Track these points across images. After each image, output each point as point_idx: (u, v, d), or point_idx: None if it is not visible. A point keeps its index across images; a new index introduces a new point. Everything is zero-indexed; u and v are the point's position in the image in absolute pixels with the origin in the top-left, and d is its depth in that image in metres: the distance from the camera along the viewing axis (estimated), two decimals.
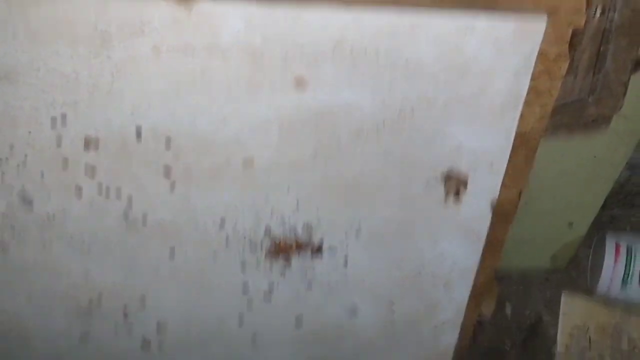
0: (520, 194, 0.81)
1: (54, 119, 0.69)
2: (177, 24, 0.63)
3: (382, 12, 0.62)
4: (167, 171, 0.74)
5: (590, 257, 1.21)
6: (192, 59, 0.65)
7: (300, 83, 0.67)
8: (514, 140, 0.72)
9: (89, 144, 0.71)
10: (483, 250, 0.81)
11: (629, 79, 0.83)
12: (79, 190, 0.75)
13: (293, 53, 0.65)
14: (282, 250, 0.83)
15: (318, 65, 0.66)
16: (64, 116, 0.69)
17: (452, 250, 0.82)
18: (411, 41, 0.64)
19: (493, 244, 0.83)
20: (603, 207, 1.17)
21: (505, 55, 0.64)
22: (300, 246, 0.82)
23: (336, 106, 0.69)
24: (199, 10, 0.62)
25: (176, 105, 0.68)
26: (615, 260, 1.14)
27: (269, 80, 0.67)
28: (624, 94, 0.84)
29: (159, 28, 0.63)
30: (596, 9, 0.73)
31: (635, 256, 1.13)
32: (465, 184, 0.75)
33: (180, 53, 0.64)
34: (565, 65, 0.70)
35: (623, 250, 1.14)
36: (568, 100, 0.83)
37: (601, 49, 0.78)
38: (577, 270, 1.25)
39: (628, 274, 1.13)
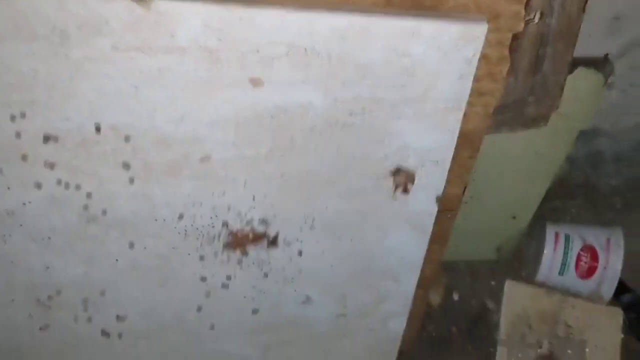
0: (464, 189, 0.86)
1: (12, 117, 0.70)
2: (136, 23, 0.64)
3: (333, 16, 0.66)
4: (126, 167, 0.75)
5: (532, 247, 1.28)
6: (150, 58, 0.67)
7: (256, 83, 0.70)
8: (458, 138, 0.77)
9: (48, 140, 0.72)
10: (429, 243, 0.86)
11: (565, 80, 0.89)
12: (38, 185, 0.76)
13: (249, 54, 0.67)
14: (239, 242, 0.85)
15: (273, 66, 0.68)
16: (22, 114, 0.70)
17: (400, 243, 0.86)
18: (361, 44, 0.67)
19: (439, 237, 0.87)
20: (545, 199, 1.23)
21: (449, 58, 0.68)
22: (256, 238, 0.85)
23: (291, 105, 0.72)
24: (157, 10, 0.64)
25: (135, 103, 0.70)
26: (555, 249, 1.20)
27: (225, 80, 0.69)
28: (561, 94, 0.90)
29: (118, 27, 0.64)
30: (535, 15, 0.78)
31: (572, 245, 1.20)
32: (412, 179, 0.79)
33: (139, 52, 0.66)
34: (506, 68, 0.75)
35: (561, 239, 1.20)
36: (509, 100, 0.88)
37: (540, 52, 0.83)
38: (521, 260, 1.32)
39: (565, 263, 1.19)
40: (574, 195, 1.40)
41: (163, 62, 0.67)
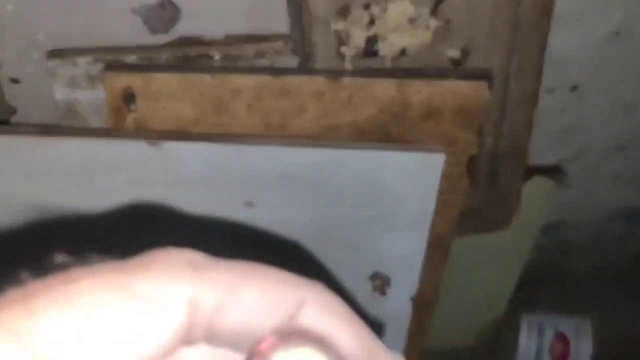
0: (437, 287, 0.97)
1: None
2: (148, 160, 0.77)
3: (316, 149, 0.78)
4: None
5: (509, 334, 1.37)
6: (159, 189, 0.79)
7: (249, 205, 0.81)
8: (428, 244, 0.88)
9: None
10: (407, 337, 0.95)
11: (521, 188, 1.01)
12: None
13: (244, 182, 0.79)
14: None
15: (264, 192, 0.80)
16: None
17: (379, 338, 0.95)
18: (339, 172, 0.80)
19: (416, 332, 0.97)
20: (518, 288, 1.33)
21: (414, 182, 0.80)
22: None
23: (279, 222, 0.83)
24: (167, 148, 0.76)
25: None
26: (529, 337, 1.30)
27: (224, 204, 0.81)
28: (519, 201, 1.02)
29: (134, 165, 0.76)
30: (487, 139, 0.91)
31: (545, 333, 1.29)
32: (389, 282, 0.89)
33: (150, 184, 0.78)
34: (465, 183, 0.88)
35: (535, 328, 1.30)
36: (472, 207, 1.00)
37: (495, 167, 0.96)
38: (500, 346, 1.40)
39: (541, 350, 1.29)
40: (545, 284, 1.51)
41: (170, 192, 0.79)
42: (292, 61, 0.80)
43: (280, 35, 0.81)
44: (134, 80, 0.75)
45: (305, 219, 0.83)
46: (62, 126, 0.78)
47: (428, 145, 0.80)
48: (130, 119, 0.77)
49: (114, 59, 0.76)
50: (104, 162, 0.76)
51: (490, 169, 0.96)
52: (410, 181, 0.80)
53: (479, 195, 0.99)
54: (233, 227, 0.83)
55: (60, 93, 0.78)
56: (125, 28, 0.80)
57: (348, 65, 0.79)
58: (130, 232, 0.82)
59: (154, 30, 0.81)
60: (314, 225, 0.84)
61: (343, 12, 0.74)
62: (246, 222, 0.82)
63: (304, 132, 0.81)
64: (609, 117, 1.09)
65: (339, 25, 0.75)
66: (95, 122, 0.81)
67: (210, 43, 0.81)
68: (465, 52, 0.80)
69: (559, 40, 0.87)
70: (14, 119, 0.89)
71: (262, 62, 0.80)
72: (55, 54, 0.77)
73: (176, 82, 0.76)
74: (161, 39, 0.82)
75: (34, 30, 0.80)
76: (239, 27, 0.82)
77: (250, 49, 0.79)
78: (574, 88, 1.00)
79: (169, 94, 0.77)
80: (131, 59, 0.77)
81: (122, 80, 0.75)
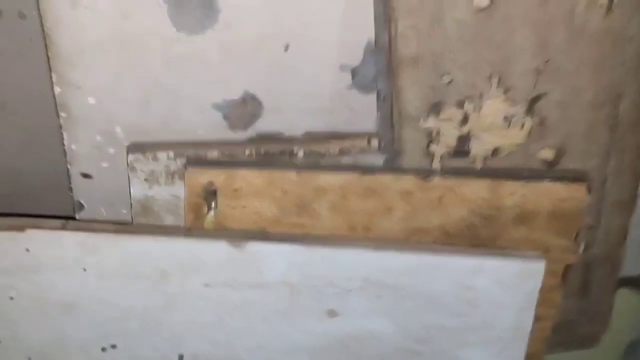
0: None
1: (103, 349, 0.75)
2: (229, 262, 0.72)
3: (404, 253, 0.73)
4: None
5: None
6: (237, 292, 0.73)
7: (331, 313, 0.75)
8: None
9: None
10: None
11: (614, 299, 0.93)
12: None
13: (326, 288, 0.74)
14: None
15: (348, 298, 0.74)
16: (113, 346, 0.75)
17: None
18: (429, 278, 0.74)
19: None
20: None
21: (511, 291, 0.74)
22: None
23: (362, 333, 0.76)
24: (249, 250, 0.71)
25: (218, 334, 0.75)
26: None
27: (303, 311, 0.75)
28: (610, 314, 0.94)
29: (213, 267, 0.72)
30: (581, 245, 0.85)
31: None
32: None
33: (227, 287, 0.73)
34: (560, 295, 0.81)
35: None
36: (562, 321, 0.92)
37: (587, 277, 0.89)
38: None
39: None
40: None
41: (248, 296, 0.73)
42: (377, 159, 0.77)
43: (364, 133, 0.78)
44: (217, 176, 0.72)
45: (390, 330, 0.76)
46: (136, 224, 0.74)
47: (525, 251, 0.74)
48: (209, 218, 0.73)
49: (195, 154, 0.74)
50: (181, 263, 0.71)
51: (583, 279, 0.89)
52: (508, 290, 0.74)
53: (569, 307, 0.91)
54: (314, 338, 0.76)
55: (137, 189, 0.74)
56: (205, 123, 0.78)
57: (436, 165, 0.75)
58: (195, 341, 0.76)
59: (233, 127, 0.79)
60: (400, 337, 0.76)
61: (435, 110, 0.71)
62: (328, 333, 0.75)
63: (390, 234, 0.76)
64: None
65: (430, 123, 0.72)
66: (170, 221, 0.78)
67: (291, 140, 0.78)
68: (560, 152, 0.76)
69: None
70: (80, 216, 0.86)
71: (346, 159, 0.76)
72: (136, 148, 0.74)
73: (259, 179, 0.73)
74: (240, 135, 0.80)
75: (112, 125, 0.78)
76: (321, 124, 0.80)
77: (334, 146, 0.76)
78: None
79: (251, 191, 0.73)
80: (212, 154, 0.74)
81: (204, 176, 0.72)
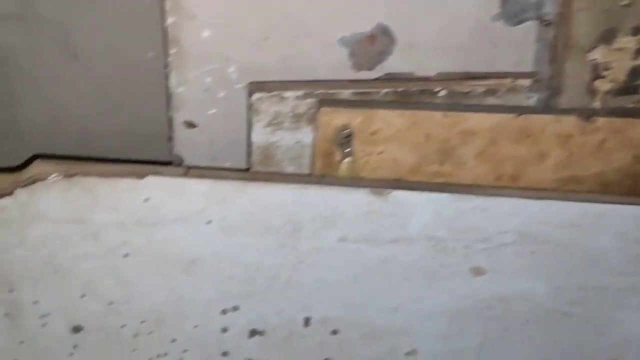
0: None
1: (224, 311, 0.67)
2: (369, 214, 0.63)
3: (566, 203, 0.64)
4: None
5: None
6: (376, 248, 0.65)
7: (477, 272, 0.67)
8: None
9: (254, 335, 0.68)
10: None
11: None
12: None
13: (475, 243, 0.65)
14: None
15: (498, 255, 0.66)
16: (235, 308, 0.67)
17: None
18: (591, 231, 0.65)
19: None
20: None
21: None
22: None
23: (510, 294, 0.68)
24: (393, 200, 0.63)
25: (351, 295, 0.67)
26: None
27: (447, 270, 0.66)
28: None
29: (351, 219, 0.63)
30: None
31: None
32: None
33: (365, 243, 0.65)
34: None
35: None
36: None
37: None
38: None
39: None
40: None
41: (388, 252, 0.65)
42: (527, 100, 0.68)
43: (505, 73, 0.69)
44: (353, 118, 0.63)
45: (541, 291, 0.68)
46: (265, 172, 0.66)
47: None
48: (344, 165, 0.64)
49: (326, 95, 0.65)
50: (316, 214, 0.63)
51: None
52: None
53: None
54: (456, 300, 0.68)
55: (259, 134, 0.66)
56: (328, 61, 0.70)
57: (598, 104, 0.66)
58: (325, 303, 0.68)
59: (358, 66, 0.71)
60: (551, 298, 0.68)
61: (607, 38, 0.62)
62: (471, 294, 0.67)
63: (540, 184, 0.67)
64: None
65: (598, 54, 0.63)
66: (291, 172, 0.69)
67: (425, 80, 0.70)
68: None
69: None
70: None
71: (492, 100, 0.68)
72: (259, 87, 0.66)
73: (400, 121, 0.64)
74: (365, 76, 0.71)
75: (226, 63, 0.70)
76: (456, 64, 0.71)
77: (479, 86, 0.67)
78: None
79: (389, 135, 0.65)
80: (344, 94, 0.66)
81: (339, 118, 0.63)
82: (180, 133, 0.75)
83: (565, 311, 0.69)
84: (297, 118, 0.66)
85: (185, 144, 0.76)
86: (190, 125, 0.74)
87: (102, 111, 0.75)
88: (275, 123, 0.66)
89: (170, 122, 0.74)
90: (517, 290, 0.68)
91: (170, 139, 0.76)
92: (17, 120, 0.75)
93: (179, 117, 0.74)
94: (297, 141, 0.67)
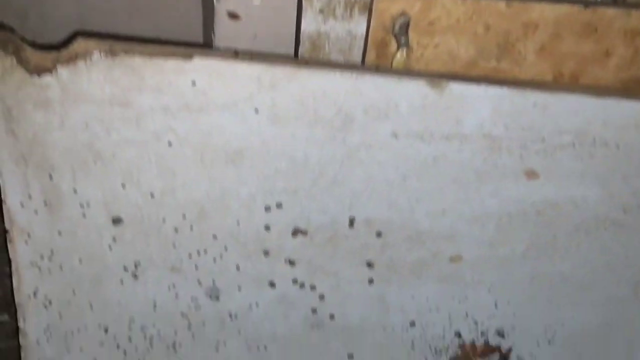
0: None
1: (267, 208, 0.65)
2: (424, 108, 0.60)
3: (632, 103, 0.61)
4: (370, 266, 0.69)
5: None
6: (428, 145, 0.62)
7: (530, 175, 0.64)
8: None
9: (297, 234, 0.66)
10: None
11: None
12: (272, 284, 0.69)
13: (532, 143, 0.63)
14: (466, 356, 0.76)
15: (554, 157, 0.63)
16: (279, 205, 0.64)
17: None
18: None
19: None
20: None
21: None
22: (486, 353, 0.76)
23: (561, 200, 0.66)
24: (450, 93, 0.60)
25: (398, 195, 0.65)
26: None
27: (498, 172, 0.64)
28: None
29: (405, 112, 0.60)
30: None
31: None
32: None
33: (418, 139, 0.62)
34: None
35: None
36: None
37: None
38: None
39: None
40: None
41: (440, 150, 0.62)
42: None
43: None
44: (411, 5, 0.60)
45: (595, 196, 0.65)
46: (319, 59, 0.63)
47: None
48: (399, 56, 0.61)
49: None
50: (369, 106, 0.60)
51: None
52: None
53: None
54: (505, 204, 0.65)
55: (309, 23, 0.62)
56: None
57: None
58: (371, 202, 0.65)
59: None
60: (605, 205, 0.66)
61: None
62: (522, 198, 0.65)
63: (601, 84, 0.64)
64: None
65: None
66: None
67: None
68: None
69: None
70: None
71: None
72: None
73: (460, 10, 0.60)
74: None
75: None
76: None
77: None
78: None
79: (448, 25, 0.61)
80: None
81: (396, 4, 0.60)
82: (223, 26, 0.71)
83: (617, 219, 0.67)
84: (350, 6, 0.62)
85: (227, 39, 0.72)
86: (234, 16, 0.70)
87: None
88: (327, 11, 0.62)
89: (211, 13, 0.70)
90: (569, 195, 0.66)
91: (210, 33, 0.72)
92: None
93: (222, 7, 0.70)
94: (348, 31, 0.64)
